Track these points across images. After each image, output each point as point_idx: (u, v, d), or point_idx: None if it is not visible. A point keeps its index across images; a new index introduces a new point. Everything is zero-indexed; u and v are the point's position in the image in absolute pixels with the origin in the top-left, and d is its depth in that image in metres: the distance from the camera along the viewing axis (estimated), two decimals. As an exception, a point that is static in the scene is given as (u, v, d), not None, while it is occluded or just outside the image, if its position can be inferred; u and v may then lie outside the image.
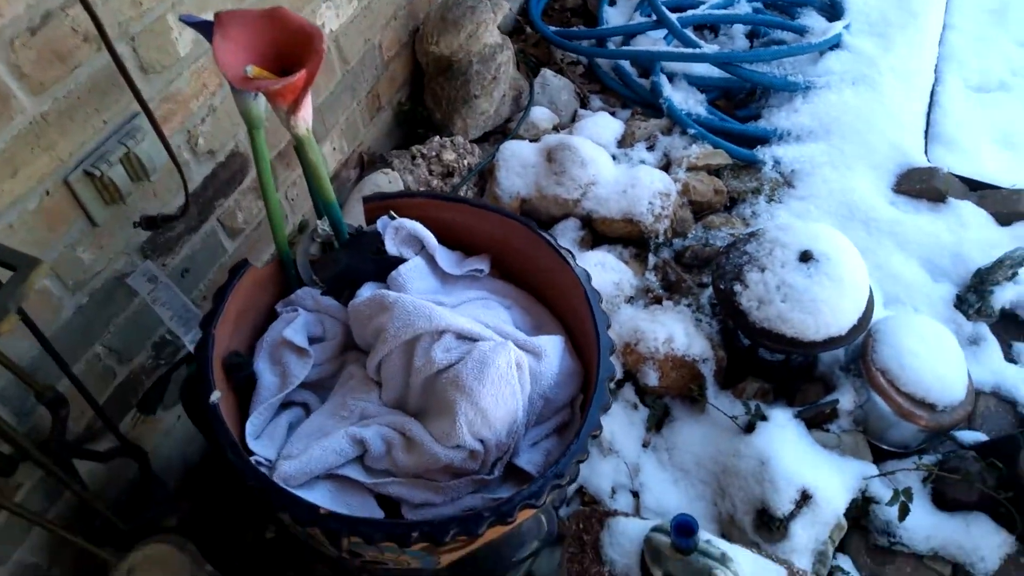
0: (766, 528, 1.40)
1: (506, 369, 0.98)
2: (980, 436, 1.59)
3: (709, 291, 1.78)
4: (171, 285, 1.28)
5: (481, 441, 1.00)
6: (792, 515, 1.39)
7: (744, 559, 1.19)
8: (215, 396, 0.99)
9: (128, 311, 1.29)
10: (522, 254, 1.25)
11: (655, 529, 1.22)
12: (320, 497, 0.99)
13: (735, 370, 1.67)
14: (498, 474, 1.04)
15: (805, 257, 1.52)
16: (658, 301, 1.74)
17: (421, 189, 1.87)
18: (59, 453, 1.14)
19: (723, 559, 1.13)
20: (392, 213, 1.22)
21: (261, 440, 1.06)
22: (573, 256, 1.18)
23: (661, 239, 1.86)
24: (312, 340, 1.16)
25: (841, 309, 1.50)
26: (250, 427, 1.06)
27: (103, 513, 1.28)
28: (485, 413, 0.97)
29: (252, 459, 1.01)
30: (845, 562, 1.46)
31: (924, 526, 1.45)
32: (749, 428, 1.52)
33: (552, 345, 1.08)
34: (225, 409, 1.02)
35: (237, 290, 1.11)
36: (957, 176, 2.03)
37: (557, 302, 1.23)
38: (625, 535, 1.25)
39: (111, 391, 1.32)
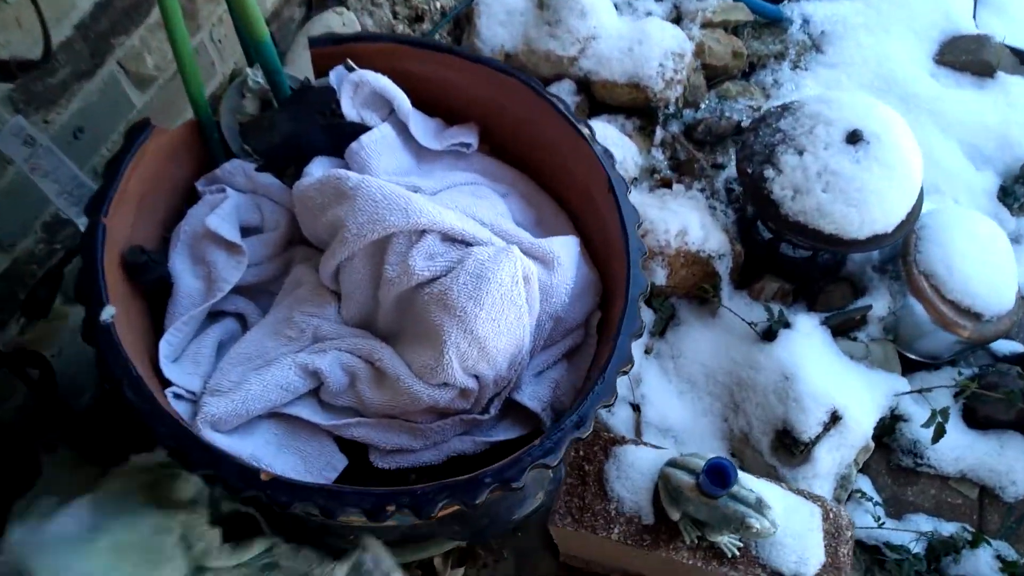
0: (786, 451, 1.23)
1: (510, 285, 0.72)
2: (1017, 347, 1.42)
3: (725, 174, 1.52)
4: (55, 150, 0.96)
5: (476, 377, 0.76)
6: (818, 438, 1.22)
7: (774, 497, 1.00)
8: (107, 313, 0.71)
9: (2, 183, 0.98)
10: (521, 124, 0.96)
11: (672, 464, 1.03)
12: (261, 446, 0.75)
13: (751, 267, 1.44)
14: (494, 412, 0.81)
15: (853, 138, 1.26)
16: (666, 184, 1.48)
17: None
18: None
19: (759, 505, 0.94)
20: (349, 62, 0.91)
21: (181, 364, 0.80)
22: (591, 130, 0.90)
23: (671, 109, 1.57)
24: (246, 231, 0.88)
25: (890, 201, 1.26)
26: (165, 347, 0.79)
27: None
28: (482, 343, 0.72)
29: (169, 391, 0.75)
30: (864, 483, 1.31)
31: (954, 446, 1.30)
32: (769, 336, 1.31)
33: (566, 250, 0.82)
34: (128, 325, 0.76)
35: (138, 161, 0.81)
36: (1009, 47, 1.76)
37: (567, 190, 0.96)
38: (635, 467, 1.06)
39: (-9, 285, 1.03)
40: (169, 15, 0.75)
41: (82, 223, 0.98)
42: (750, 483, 0.99)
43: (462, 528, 0.83)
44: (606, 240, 0.86)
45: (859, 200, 1.24)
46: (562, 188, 0.95)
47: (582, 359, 0.88)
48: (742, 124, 1.58)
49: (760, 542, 1.02)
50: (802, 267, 1.42)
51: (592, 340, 0.88)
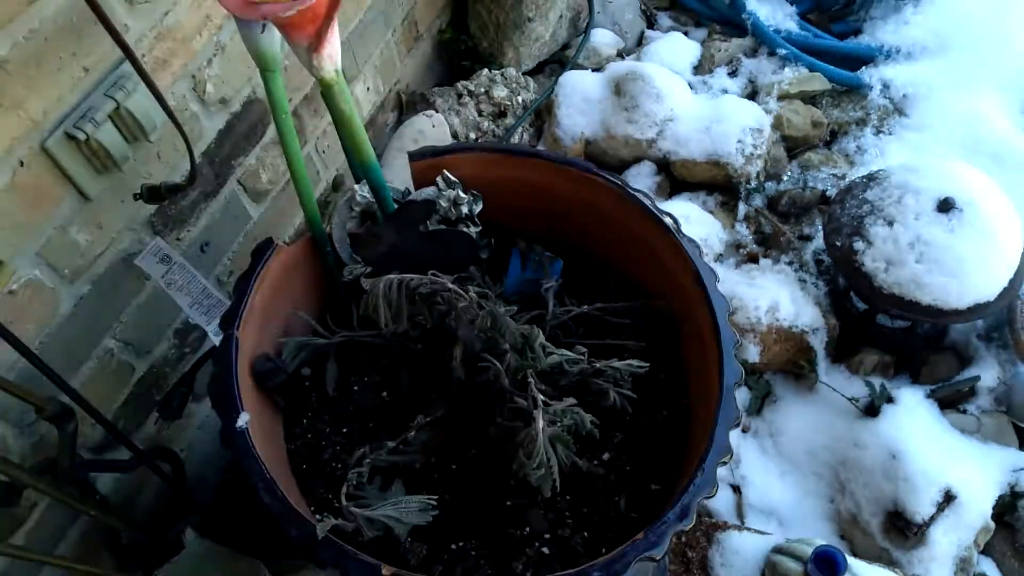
0: (899, 533, 1.18)
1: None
2: None
3: (813, 245, 1.51)
4: (187, 265, 1.07)
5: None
6: (932, 519, 1.16)
7: (890, 586, 0.97)
8: (242, 420, 0.78)
9: (140, 297, 1.09)
10: (610, 218, 1.01)
11: (779, 551, 1.01)
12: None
13: (847, 340, 1.42)
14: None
15: (945, 206, 1.25)
16: (753, 259, 1.48)
17: (473, 137, 1.62)
18: (69, 472, 0.96)
19: (872, 596, 0.91)
20: (447, 174, 0.98)
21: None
22: (676, 221, 0.94)
23: (753, 184, 1.59)
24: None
25: (990, 268, 1.23)
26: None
27: (127, 530, 1.11)
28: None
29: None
30: (987, 565, 1.24)
31: (1087, 526, 1.21)
32: (872, 411, 1.28)
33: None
34: (260, 429, 0.82)
35: (263, 277, 0.90)
36: (1107, 95, 1.70)
37: (660, 283, 0.99)
38: (739, 554, 1.04)
39: (131, 389, 1.14)
40: (285, 134, 0.84)
41: (212, 330, 1.08)
42: (862, 570, 0.96)
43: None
44: (698, 328, 0.88)
45: (956, 270, 1.21)
46: (656, 281, 0.98)
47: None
48: (827, 193, 1.58)
49: (877, 633, 0.98)
50: (902, 338, 1.38)
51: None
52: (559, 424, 0.77)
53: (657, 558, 0.72)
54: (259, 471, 0.76)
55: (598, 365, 0.83)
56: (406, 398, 0.99)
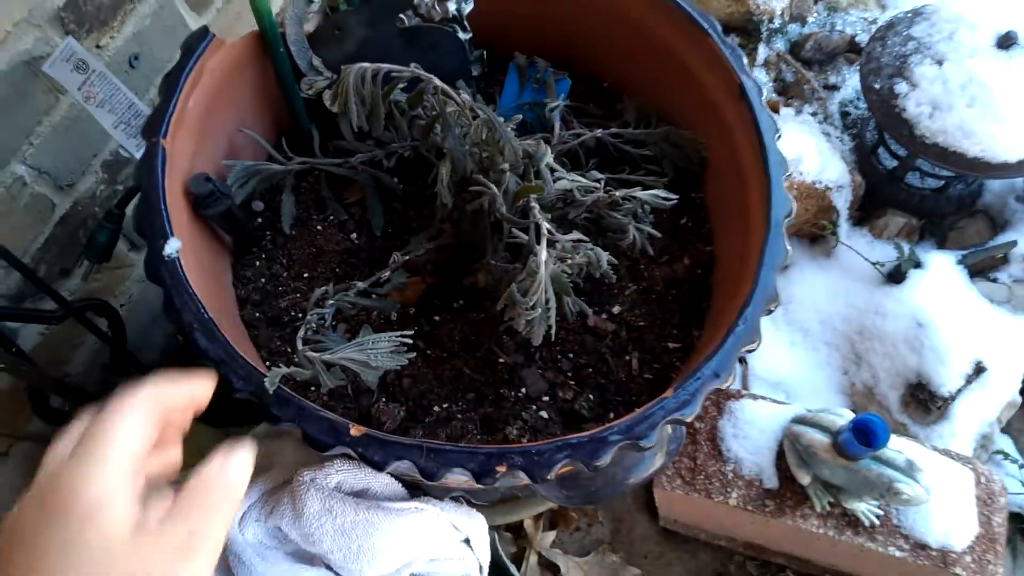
0: (920, 407, 1.09)
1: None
2: None
3: (839, 96, 1.34)
4: (109, 75, 0.87)
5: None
6: (959, 392, 1.07)
7: (922, 460, 0.87)
8: (171, 247, 0.62)
9: (55, 116, 0.90)
10: (622, 25, 0.82)
11: (801, 421, 0.90)
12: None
13: (871, 201, 1.28)
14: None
15: (1006, 41, 1.08)
16: (773, 109, 1.31)
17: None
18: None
19: (909, 468, 0.81)
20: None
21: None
22: (717, 25, 0.76)
23: (776, 24, 1.39)
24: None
25: (1049, 117, 1.08)
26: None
27: (54, 392, 0.97)
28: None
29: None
30: (1005, 443, 1.16)
31: (1114, 403, 1.13)
32: (897, 277, 1.16)
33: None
34: (197, 265, 0.66)
35: (197, 77, 0.71)
36: None
37: (680, 104, 0.82)
38: (754, 424, 0.93)
39: (51, 229, 0.96)
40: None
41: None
42: (899, 444, 0.85)
43: (570, 492, 0.73)
44: (735, 158, 0.73)
45: (1012, 116, 1.06)
46: (682, 105, 0.81)
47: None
48: (856, 39, 1.40)
49: (903, 510, 0.89)
50: (931, 200, 1.25)
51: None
52: (569, 261, 0.62)
53: (687, 420, 0.59)
54: (194, 309, 0.60)
55: (617, 195, 0.68)
56: (380, 241, 0.83)
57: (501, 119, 0.63)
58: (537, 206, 0.63)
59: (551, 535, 1.14)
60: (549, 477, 0.57)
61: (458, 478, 0.57)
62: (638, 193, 0.68)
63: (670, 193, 0.70)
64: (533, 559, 1.13)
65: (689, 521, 1.09)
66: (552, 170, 0.66)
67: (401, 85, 0.69)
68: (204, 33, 0.72)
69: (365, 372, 0.59)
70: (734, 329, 0.61)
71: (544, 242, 0.61)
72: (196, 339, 0.59)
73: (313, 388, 0.73)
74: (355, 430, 0.56)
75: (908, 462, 0.82)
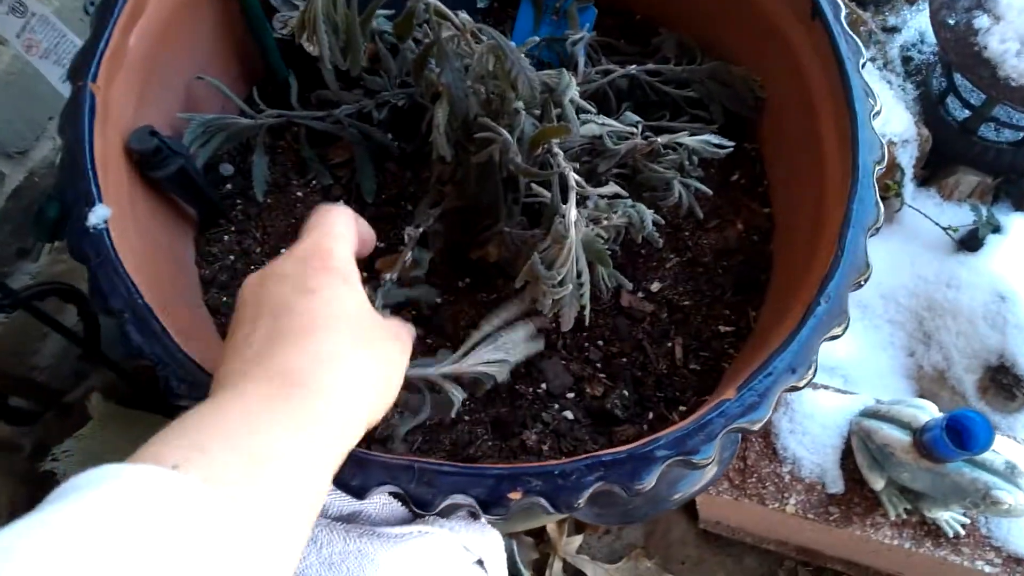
0: (1003, 392, 0.94)
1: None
2: None
3: (900, 39, 1.18)
4: (53, 19, 0.74)
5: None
6: (1049, 376, 0.92)
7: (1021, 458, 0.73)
8: (97, 216, 0.49)
9: (-6, 70, 0.78)
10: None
11: (873, 415, 0.76)
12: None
13: (939, 157, 1.12)
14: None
15: (1110, -37, 0.91)
16: (824, 55, 1.15)
17: None
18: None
19: (1011, 473, 0.67)
20: None
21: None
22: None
23: (827, -41, 1.22)
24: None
25: None
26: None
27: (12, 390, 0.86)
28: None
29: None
30: (1096, 432, 1.01)
31: None
32: (973, 244, 1.01)
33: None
34: (136, 237, 0.54)
35: (139, 5, 0.58)
36: None
37: (732, 32, 0.67)
38: (814, 419, 0.80)
39: (2, 203, 0.85)
40: None
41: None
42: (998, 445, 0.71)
43: (603, 510, 0.60)
44: (804, 95, 0.58)
45: (1118, 52, 0.90)
46: (732, 36, 0.67)
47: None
48: (918, -25, 1.23)
49: (994, 518, 0.75)
50: (1008, 155, 1.08)
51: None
52: (604, 223, 0.49)
53: (754, 429, 0.46)
54: (125, 294, 0.48)
55: (659, 141, 0.54)
56: (372, 208, 0.70)
57: (512, 44, 0.49)
58: (561, 153, 0.50)
59: (577, 539, 1.01)
60: (577, 505, 0.44)
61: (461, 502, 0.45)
62: (685, 139, 0.54)
63: (725, 140, 0.55)
64: (558, 566, 1.01)
65: (734, 523, 0.96)
66: (579, 110, 0.52)
67: (385, 11, 0.55)
68: (145, -48, 0.59)
69: (501, 372, 0.49)
70: (814, 309, 0.48)
71: (573, 198, 0.48)
72: (127, 332, 0.47)
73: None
74: (326, 447, 0.43)
75: (1008, 465, 0.68)
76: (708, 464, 0.45)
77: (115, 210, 0.51)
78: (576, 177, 0.48)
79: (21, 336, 0.92)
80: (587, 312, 0.50)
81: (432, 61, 0.53)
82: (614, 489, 0.44)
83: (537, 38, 0.68)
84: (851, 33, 0.56)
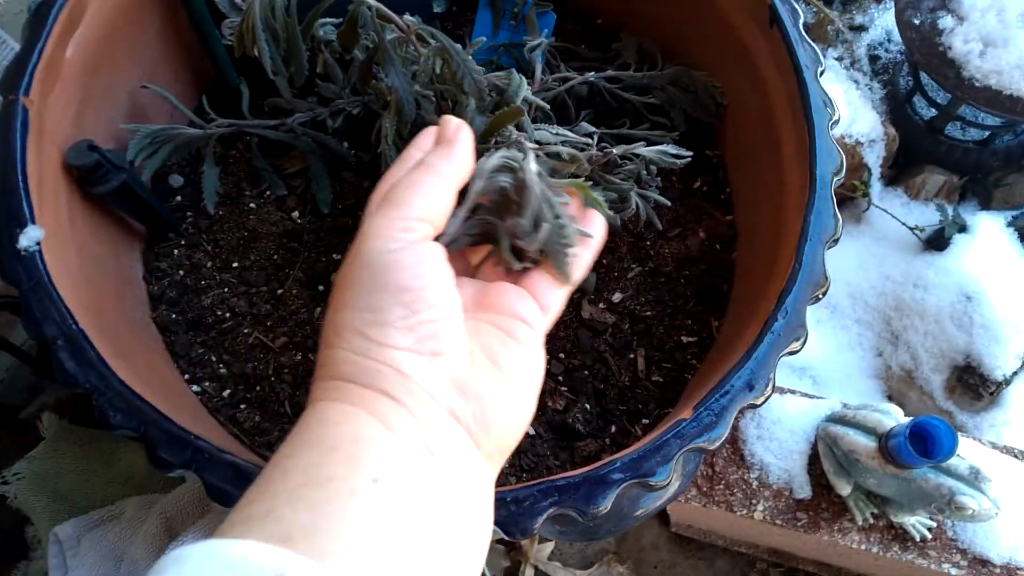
0: (969, 392, 0.95)
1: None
2: None
3: (867, 37, 1.18)
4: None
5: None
6: (1015, 375, 0.92)
7: (985, 463, 0.73)
8: (29, 237, 0.47)
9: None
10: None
11: (839, 420, 0.76)
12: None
13: (906, 157, 1.12)
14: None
15: (1071, -37, 0.91)
16: (792, 54, 1.15)
17: None
18: None
19: (974, 477, 0.67)
20: None
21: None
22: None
23: (794, -43, 1.22)
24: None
25: (1121, 52, 0.92)
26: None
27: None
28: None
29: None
30: (1061, 430, 1.02)
31: None
32: (939, 244, 1.01)
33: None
34: (73, 258, 0.52)
35: (76, 14, 0.55)
36: None
37: (690, 39, 0.66)
38: (782, 423, 0.79)
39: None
40: None
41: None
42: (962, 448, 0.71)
43: (564, 527, 0.59)
44: (764, 102, 0.57)
45: (1079, 51, 0.90)
46: (693, 41, 0.66)
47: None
48: (885, -27, 1.23)
49: (961, 522, 0.75)
50: (974, 154, 1.09)
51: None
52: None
53: (711, 448, 0.45)
54: (59, 319, 0.46)
55: (615, 152, 0.53)
56: (328, 220, 0.68)
57: (458, 47, 0.47)
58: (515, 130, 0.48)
59: (549, 546, 1.01)
60: (533, 530, 0.42)
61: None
62: (642, 150, 0.53)
63: (683, 149, 0.54)
64: (529, 573, 1.00)
65: (705, 527, 0.96)
66: (536, 110, 0.51)
67: (332, 19, 0.54)
68: (81, -41, 0.56)
69: None
70: (771, 324, 0.47)
71: (531, 154, 0.44)
72: (61, 360, 0.45)
73: (242, 406, 0.59)
74: (269, 477, 0.42)
75: (972, 470, 0.68)
76: (665, 485, 0.44)
77: (52, 229, 0.49)
78: (533, 137, 0.46)
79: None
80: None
81: (378, 68, 0.51)
82: (568, 512, 0.43)
83: (487, 39, 0.67)
84: (809, 40, 0.55)
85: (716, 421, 0.45)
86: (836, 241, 0.50)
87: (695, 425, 0.44)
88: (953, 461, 0.67)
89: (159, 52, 0.65)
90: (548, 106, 0.54)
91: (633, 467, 0.43)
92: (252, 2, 0.47)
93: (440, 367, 0.33)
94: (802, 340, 0.48)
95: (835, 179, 0.51)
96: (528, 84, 0.58)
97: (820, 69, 0.54)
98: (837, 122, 0.53)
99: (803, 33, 0.55)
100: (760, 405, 0.46)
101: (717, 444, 0.45)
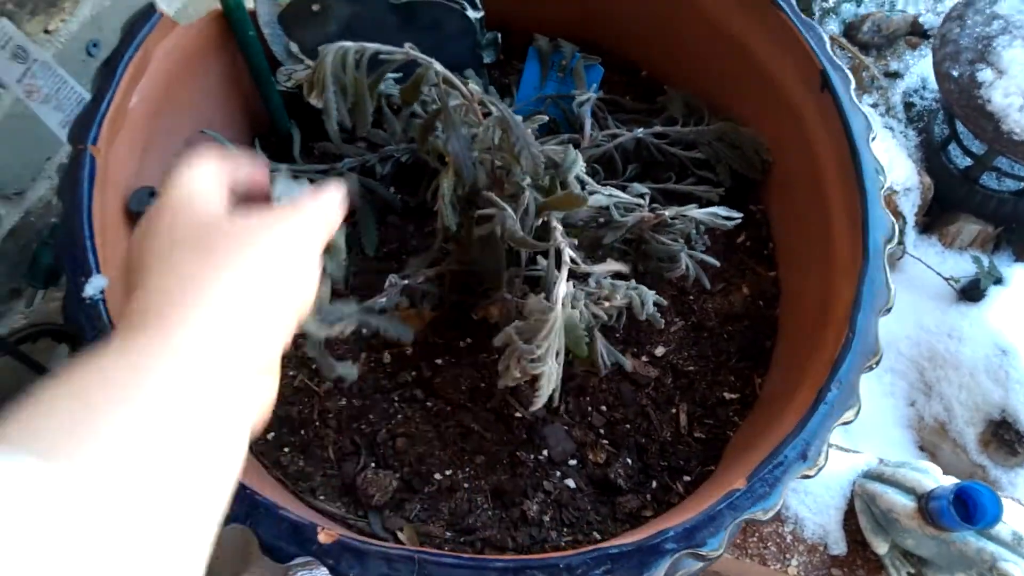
0: (1004, 448, 0.94)
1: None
2: None
3: (902, 85, 1.18)
4: (53, 65, 0.73)
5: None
6: (1052, 432, 0.91)
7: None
8: (94, 287, 0.48)
9: (-7, 113, 0.77)
10: (675, 10, 0.68)
11: (877, 478, 0.75)
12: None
13: (940, 205, 1.12)
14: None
15: (1113, 21, 0.91)
16: (827, 99, 1.15)
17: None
18: None
19: (1018, 544, 0.66)
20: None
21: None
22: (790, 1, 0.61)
23: (830, 3, 1.23)
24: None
25: None
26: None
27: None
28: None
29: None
30: (1097, 487, 1.01)
31: None
32: (973, 295, 1.00)
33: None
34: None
35: (142, 66, 0.57)
36: None
37: (738, 97, 0.67)
38: (819, 478, 0.78)
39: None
40: None
41: (92, 160, 0.76)
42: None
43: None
44: (813, 166, 0.58)
45: (1121, 108, 0.90)
46: (740, 98, 0.66)
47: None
48: (920, 19, 1.24)
49: (999, 584, 0.74)
50: (1009, 204, 1.09)
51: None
52: (607, 304, 0.48)
53: (764, 519, 0.45)
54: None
55: (666, 214, 0.53)
56: (374, 262, 0.69)
57: (519, 118, 0.48)
58: (560, 227, 0.49)
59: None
60: (581, 600, 0.42)
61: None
62: (693, 212, 0.53)
63: (732, 211, 0.55)
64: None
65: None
66: (582, 183, 0.52)
67: (394, 74, 0.55)
68: (149, 11, 0.58)
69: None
70: (825, 394, 0.47)
71: (564, 273, 0.47)
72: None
73: (286, 449, 0.59)
74: (324, 535, 0.42)
75: (1016, 536, 0.67)
76: (718, 557, 0.44)
77: (114, 276, 0.50)
78: (571, 253, 0.47)
79: (14, 379, 0.90)
80: (557, 394, 0.48)
81: (439, 127, 0.52)
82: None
83: (536, 91, 0.68)
84: (861, 107, 0.55)
85: (769, 492, 0.45)
86: (889, 311, 0.50)
87: (749, 496, 0.44)
88: (996, 526, 0.67)
89: (216, 99, 0.66)
90: (599, 170, 0.55)
91: (687, 537, 0.43)
92: (325, 56, 0.48)
93: None
94: (855, 410, 0.48)
95: (887, 247, 0.51)
96: (577, 140, 0.59)
97: (872, 135, 0.55)
98: (889, 189, 0.53)
99: (854, 99, 0.56)
100: (813, 476, 0.46)
101: (770, 515, 0.45)
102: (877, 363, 0.49)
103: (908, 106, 1.16)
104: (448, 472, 0.59)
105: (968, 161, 1.08)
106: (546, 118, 0.52)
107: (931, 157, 1.12)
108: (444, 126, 0.49)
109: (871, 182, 0.52)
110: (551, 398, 0.47)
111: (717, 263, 0.57)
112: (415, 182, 0.70)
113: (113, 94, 0.54)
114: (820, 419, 0.46)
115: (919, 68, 1.18)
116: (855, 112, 0.55)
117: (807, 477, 0.46)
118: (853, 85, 0.56)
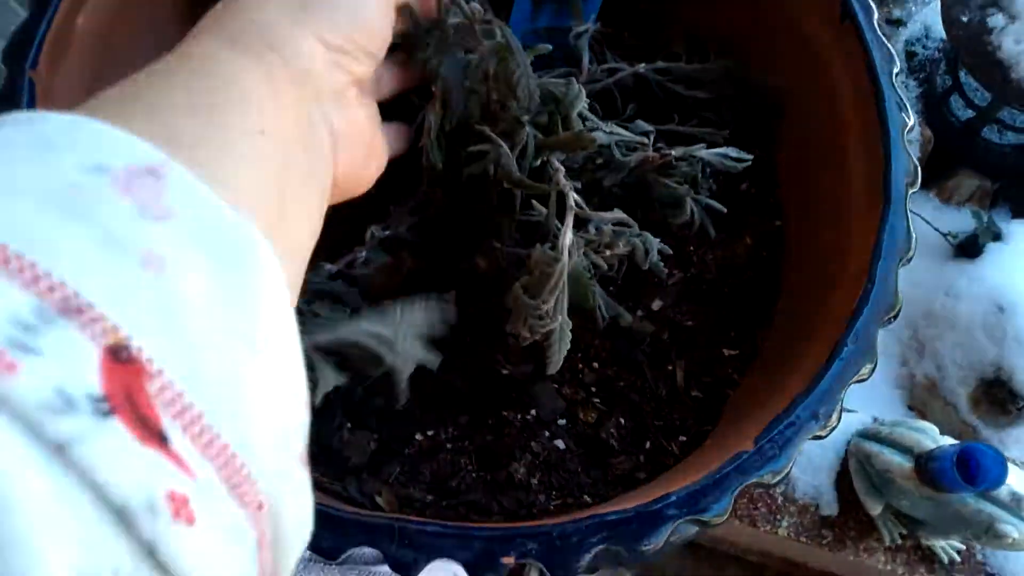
0: (996, 407, 0.92)
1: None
2: None
3: (905, 33, 1.14)
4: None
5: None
6: (1046, 392, 0.90)
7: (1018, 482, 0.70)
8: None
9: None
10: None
11: (872, 437, 0.73)
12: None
13: (939, 160, 1.09)
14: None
15: None
16: (827, 46, 1.10)
17: None
18: None
19: (1017, 505, 0.64)
20: None
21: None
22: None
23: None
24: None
25: None
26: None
27: None
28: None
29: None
30: (1084, 446, 1.00)
31: None
32: (972, 251, 0.98)
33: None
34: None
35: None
36: None
37: (744, 35, 0.62)
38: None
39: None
40: None
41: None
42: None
43: (602, 563, 0.56)
44: (829, 104, 0.53)
45: None
46: (749, 34, 0.61)
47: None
48: (925, -35, 1.18)
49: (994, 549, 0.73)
50: (1010, 159, 1.06)
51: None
52: (608, 252, 0.44)
53: (773, 483, 0.42)
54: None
55: (672, 154, 0.49)
56: (349, 209, 0.64)
57: (520, 45, 0.43)
58: (562, 169, 0.44)
59: (557, 547, 0.98)
60: (578, 568, 0.39)
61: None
62: (701, 152, 0.49)
63: (742, 152, 0.51)
64: (534, 574, 0.98)
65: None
66: (583, 119, 0.47)
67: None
68: (94, -87, 0.51)
69: (392, 356, 0.41)
70: (840, 351, 0.43)
71: (570, 221, 0.43)
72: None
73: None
74: (296, 502, 0.38)
75: (1014, 495, 0.65)
76: (722, 522, 0.41)
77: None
78: (576, 198, 0.42)
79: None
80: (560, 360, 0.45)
81: (429, 44, 0.46)
82: (619, 551, 0.40)
83: (528, 24, 0.62)
84: (884, 38, 0.51)
85: (779, 454, 0.42)
86: (910, 260, 0.47)
87: (758, 458, 0.41)
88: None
89: (182, 14, 0.60)
90: (596, 111, 0.50)
91: (690, 502, 0.40)
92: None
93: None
94: (872, 365, 0.44)
95: (909, 191, 0.47)
96: (575, 74, 0.54)
97: (895, 70, 0.50)
98: (911, 129, 0.49)
99: (878, 31, 0.51)
100: (825, 437, 0.43)
101: (779, 478, 0.42)
102: (895, 316, 0.45)
103: (910, 55, 1.12)
104: (430, 432, 0.55)
105: (970, 113, 1.05)
106: (550, 47, 0.47)
107: (931, 109, 1.08)
108: (437, 46, 0.44)
109: (893, 121, 0.48)
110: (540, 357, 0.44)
111: (724, 209, 0.52)
112: (400, 116, 0.64)
113: (55, 10, 0.48)
114: (835, 376, 0.43)
115: (922, 16, 1.14)
116: (878, 45, 0.50)
117: (819, 438, 0.43)
118: (876, 16, 0.51)
